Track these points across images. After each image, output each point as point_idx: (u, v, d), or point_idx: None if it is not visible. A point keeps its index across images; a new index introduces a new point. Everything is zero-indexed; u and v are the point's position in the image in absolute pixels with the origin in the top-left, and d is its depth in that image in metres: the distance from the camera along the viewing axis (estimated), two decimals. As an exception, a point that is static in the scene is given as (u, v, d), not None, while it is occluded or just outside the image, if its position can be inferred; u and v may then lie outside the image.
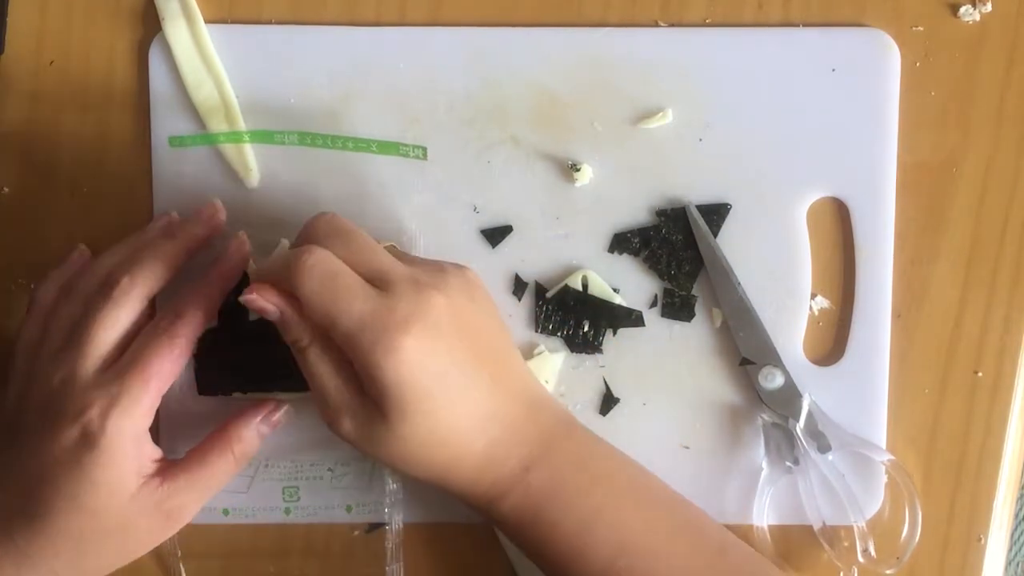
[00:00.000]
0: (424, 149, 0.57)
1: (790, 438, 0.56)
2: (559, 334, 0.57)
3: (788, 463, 0.56)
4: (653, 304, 0.57)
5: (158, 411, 0.51)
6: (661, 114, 0.56)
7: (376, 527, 0.57)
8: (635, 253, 0.57)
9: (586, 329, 0.57)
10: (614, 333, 0.57)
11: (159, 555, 0.57)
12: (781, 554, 0.56)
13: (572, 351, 0.57)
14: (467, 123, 0.57)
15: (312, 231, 0.50)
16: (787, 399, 0.56)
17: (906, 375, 0.57)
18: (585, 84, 0.57)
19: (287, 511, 0.57)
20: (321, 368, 0.48)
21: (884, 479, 0.56)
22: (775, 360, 0.56)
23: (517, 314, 0.57)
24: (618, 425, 0.57)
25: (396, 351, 0.46)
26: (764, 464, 0.56)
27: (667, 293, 0.57)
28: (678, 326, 0.57)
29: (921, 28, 0.57)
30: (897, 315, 0.57)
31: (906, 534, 0.56)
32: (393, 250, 0.53)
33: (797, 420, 0.56)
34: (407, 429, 0.47)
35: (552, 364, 0.57)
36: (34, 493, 0.48)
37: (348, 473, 0.57)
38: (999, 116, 0.57)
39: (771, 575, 0.52)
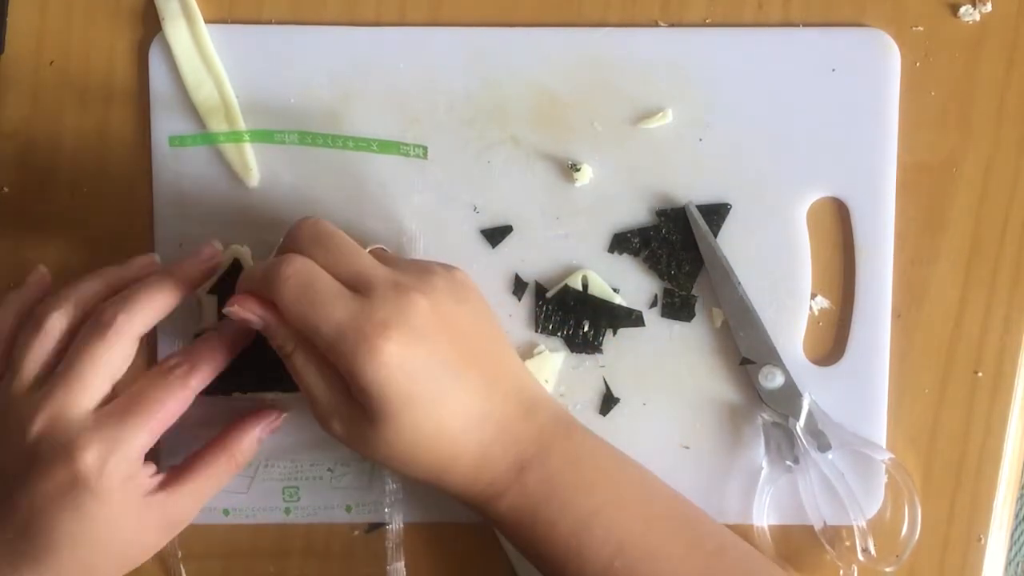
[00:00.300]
0: (424, 149, 0.57)
1: (790, 437, 0.56)
2: (559, 334, 0.57)
3: (788, 462, 0.56)
4: (653, 304, 0.57)
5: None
6: (661, 114, 0.56)
7: (376, 527, 0.57)
8: (635, 253, 0.57)
9: (586, 329, 0.57)
10: (614, 333, 0.57)
11: (159, 556, 0.57)
12: (781, 553, 0.56)
13: (572, 351, 0.57)
14: (467, 123, 0.57)
15: (294, 238, 0.50)
16: (787, 398, 0.56)
17: (906, 375, 0.57)
18: (585, 84, 0.57)
19: (287, 511, 0.57)
20: (307, 373, 0.48)
21: (884, 478, 0.56)
22: (775, 360, 0.56)
23: (517, 314, 0.57)
24: (618, 425, 0.57)
25: (376, 355, 0.46)
26: (764, 463, 0.56)
27: (667, 293, 0.57)
28: (678, 326, 0.57)
29: (921, 28, 0.57)
30: (897, 315, 0.57)
31: (906, 532, 0.56)
32: (381, 253, 0.53)
33: (797, 419, 0.56)
34: (393, 431, 0.47)
35: (552, 364, 0.57)
36: (32, 532, 0.47)
37: (348, 473, 0.57)
38: (999, 116, 0.57)
39: (771, 574, 0.52)
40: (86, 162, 0.57)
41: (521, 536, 0.50)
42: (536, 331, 0.57)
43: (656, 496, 0.52)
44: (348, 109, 0.57)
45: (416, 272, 0.49)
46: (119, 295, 0.50)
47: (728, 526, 0.54)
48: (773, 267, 0.57)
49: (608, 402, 0.57)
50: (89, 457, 0.47)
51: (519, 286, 0.57)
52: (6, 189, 0.58)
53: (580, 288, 0.57)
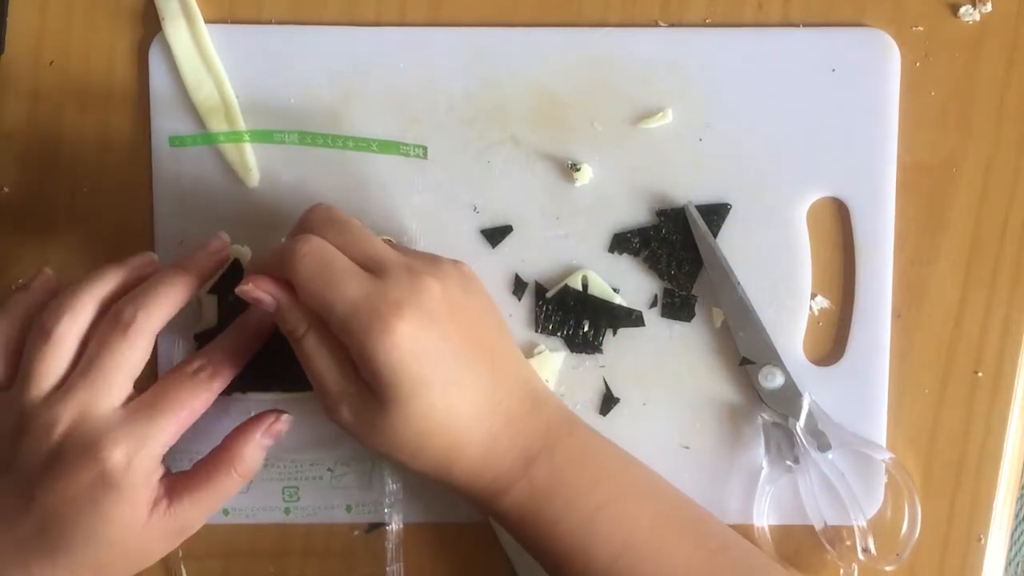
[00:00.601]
0: (424, 149, 0.57)
1: (790, 437, 0.56)
2: (559, 334, 0.57)
3: (788, 462, 0.56)
4: (653, 304, 0.57)
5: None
6: (661, 114, 0.56)
7: (376, 527, 0.57)
8: (635, 253, 0.57)
9: (586, 329, 0.57)
10: (614, 333, 0.57)
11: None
12: (782, 553, 0.56)
13: (572, 351, 0.57)
14: (467, 123, 0.57)
15: (307, 221, 0.50)
16: (787, 398, 0.56)
17: (906, 375, 0.57)
18: (585, 84, 0.57)
19: (287, 511, 0.57)
20: (317, 357, 0.48)
21: (884, 478, 0.56)
22: (775, 360, 0.56)
23: (517, 314, 0.57)
24: (618, 425, 0.57)
25: (389, 334, 0.46)
26: (764, 463, 0.56)
27: (667, 293, 0.57)
28: (678, 326, 0.57)
29: (921, 28, 0.57)
30: (897, 315, 0.57)
31: (906, 531, 0.56)
32: (389, 243, 0.53)
33: (797, 419, 0.56)
34: (402, 415, 0.47)
35: (552, 364, 0.57)
36: (48, 529, 0.48)
37: (348, 473, 0.57)
38: (999, 116, 0.57)
39: (773, 572, 0.52)
40: (86, 162, 0.57)
41: (525, 532, 0.50)
42: (536, 331, 0.57)
43: (659, 494, 0.52)
44: (348, 109, 0.57)
45: (427, 259, 0.50)
46: (134, 292, 0.51)
47: (729, 526, 0.54)
48: (773, 267, 0.57)
49: (608, 402, 0.57)
50: (117, 454, 0.47)
51: (519, 286, 0.57)
52: (6, 189, 0.58)
53: (580, 288, 0.57)
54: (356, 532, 0.58)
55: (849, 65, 0.56)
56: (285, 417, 0.53)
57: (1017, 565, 1.12)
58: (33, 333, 0.50)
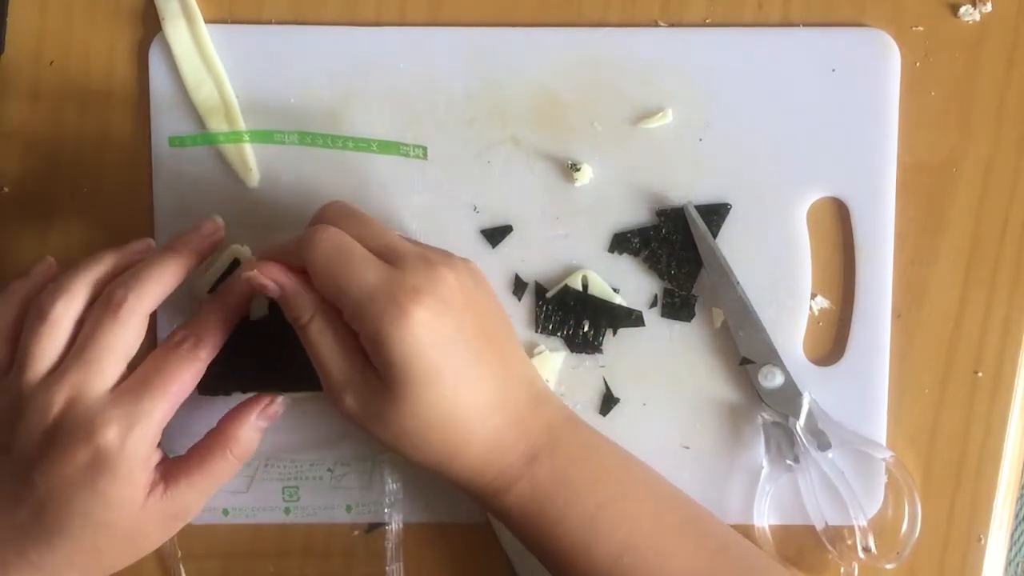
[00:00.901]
0: (424, 149, 0.57)
1: (790, 436, 0.56)
2: (559, 334, 0.57)
3: (789, 461, 0.56)
4: (653, 304, 0.57)
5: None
6: (661, 114, 0.56)
7: (376, 527, 0.57)
8: (635, 253, 0.57)
9: (586, 329, 0.57)
10: (614, 333, 0.57)
11: (159, 555, 0.57)
12: (782, 552, 0.57)
13: (572, 351, 0.57)
14: (467, 123, 0.57)
15: (323, 214, 0.51)
16: (787, 398, 0.56)
17: (906, 375, 0.57)
18: (585, 84, 0.57)
19: (287, 511, 0.57)
20: (324, 343, 0.48)
21: (884, 477, 0.56)
22: (775, 360, 0.56)
23: (517, 314, 0.57)
24: (618, 425, 0.57)
25: (405, 320, 0.46)
26: (764, 462, 0.56)
27: (667, 293, 0.57)
28: (678, 326, 0.57)
29: (921, 28, 0.57)
30: (897, 315, 0.57)
31: (906, 529, 0.56)
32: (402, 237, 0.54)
33: (797, 418, 0.56)
34: (410, 404, 0.47)
35: (552, 364, 0.57)
36: (45, 512, 0.48)
37: (348, 473, 0.57)
38: (999, 116, 0.57)
39: (773, 571, 0.52)
40: (86, 162, 0.57)
41: (528, 530, 0.50)
42: (536, 331, 0.57)
43: (661, 493, 0.52)
44: (348, 109, 0.57)
45: (440, 252, 0.50)
46: (126, 274, 0.51)
47: (729, 526, 0.54)
48: (773, 267, 0.57)
49: (608, 402, 0.57)
50: (110, 434, 0.48)
51: (519, 286, 0.57)
52: (6, 189, 0.58)
53: (580, 288, 0.57)
54: (356, 532, 0.58)
55: (849, 65, 0.56)
56: (280, 399, 0.53)
57: (1017, 565, 1.12)
58: (30, 316, 0.50)
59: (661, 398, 0.57)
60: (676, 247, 0.57)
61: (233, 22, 0.57)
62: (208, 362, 0.51)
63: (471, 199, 0.57)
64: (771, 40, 0.57)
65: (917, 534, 0.56)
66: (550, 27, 0.57)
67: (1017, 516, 1.06)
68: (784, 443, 0.56)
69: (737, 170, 0.56)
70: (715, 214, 0.56)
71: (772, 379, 0.56)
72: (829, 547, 0.56)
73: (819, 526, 0.56)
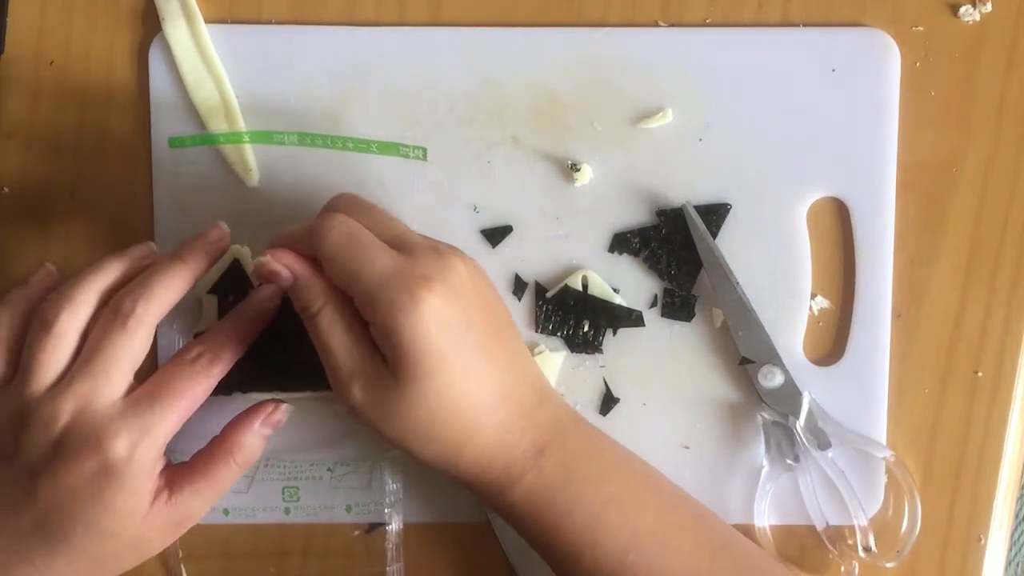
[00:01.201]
0: (424, 149, 0.57)
1: (790, 436, 0.56)
2: (559, 334, 0.57)
3: (789, 460, 0.56)
4: (653, 304, 0.57)
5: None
6: (661, 114, 0.56)
7: (376, 527, 0.57)
8: (635, 253, 0.57)
9: (586, 329, 0.57)
10: (614, 333, 0.57)
11: (161, 556, 0.57)
12: (783, 552, 0.57)
13: (572, 351, 0.57)
14: (467, 123, 0.57)
15: (333, 204, 0.51)
16: (787, 397, 0.56)
17: (906, 375, 0.57)
18: (585, 84, 0.57)
19: (287, 511, 0.57)
20: (332, 332, 0.48)
21: (884, 476, 0.56)
22: (775, 359, 0.56)
23: (517, 314, 0.57)
24: (618, 425, 0.57)
25: (416, 307, 0.46)
26: (765, 462, 0.56)
27: (667, 293, 0.57)
28: (678, 326, 0.57)
29: (921, 28, 0.57)
30: (897, 315, 0.57)
31: (906, 528, 0.56)
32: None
33: (797, 418, 0.56)
34: (417, 393, 0.47)
35: (552, 364, 0.57)
36: (49, 520, 0.48)
37: (348, 473, 0.57)
38: (999, 116, 0.57)
39: (774, 570, 0.52)
40: (86, 162, 0.57)
41: (534, 526, 0.50)
42: (536, 331, 0.57)
43: (664, 491, 0.52)
44: (348, 109, 0.57)
45: (448, 245, 0.50)
46: (133, 283, 0.51)
47: (730, 526, 0.54)
48: (773, 267, 0.57)
49: (608, 402, 0.57)
50: (119, 445, 0.48)
51: (519, 286, 0.57)
52: (6, 189, 0.58)
53: (580, 288, 0.57)
54: (356, 532, 0.58)
55: (849, 65, 0.56)
56: (284, 407, 0.53)
57: (1017, 565, 1.12)
58: (34, 326, 0.50)
59: (661, 398, 0.57)
60: (676, 247, 0.57)
61: (233, 22, 0.57)
62: (220, 378, 0.51)
63: (471, 199, 0.57)
64: (771, 40, 0.57)
65: (917, 534, 0.56)
66: (550, 27, 0.57)
67: (1017, 516, 1.06)
68: (784, 443, 0.56)
69: (737, 170, 0.56)
70: (715, 214, 0.56)
71: (772, 379, 0.56)
72: (829, 546, 0.56)
73: (819, 525, 0.56)
